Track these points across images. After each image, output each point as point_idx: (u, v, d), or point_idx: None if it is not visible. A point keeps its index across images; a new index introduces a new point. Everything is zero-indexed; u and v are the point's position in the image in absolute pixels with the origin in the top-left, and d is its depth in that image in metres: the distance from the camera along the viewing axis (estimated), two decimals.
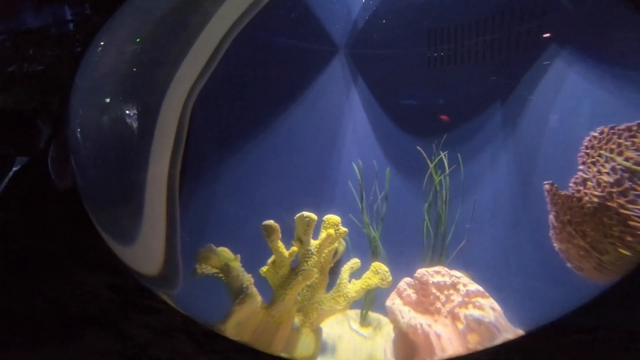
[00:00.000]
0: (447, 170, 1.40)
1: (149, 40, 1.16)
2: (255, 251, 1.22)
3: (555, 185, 0.98)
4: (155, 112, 1.11)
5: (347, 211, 1.47)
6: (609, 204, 0.82)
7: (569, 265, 0.99)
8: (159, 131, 1.12)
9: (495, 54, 1.35)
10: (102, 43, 1.11)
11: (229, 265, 1.19)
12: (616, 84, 1.02)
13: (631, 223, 0.75)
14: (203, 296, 1.23)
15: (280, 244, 1.17)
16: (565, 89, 1.20)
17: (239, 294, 1.16)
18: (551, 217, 1.02)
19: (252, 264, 1.21)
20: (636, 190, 0.83)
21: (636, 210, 0.78)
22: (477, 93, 1.50)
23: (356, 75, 1.71)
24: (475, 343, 0.95)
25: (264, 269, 1.21)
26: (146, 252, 1.12)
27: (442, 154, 1.41)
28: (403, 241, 1.47)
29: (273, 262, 1.20)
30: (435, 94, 1.56)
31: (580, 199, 0.89)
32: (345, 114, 1.71)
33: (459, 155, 1.43)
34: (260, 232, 1.17)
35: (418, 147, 1.47)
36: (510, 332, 0.96)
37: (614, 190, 0.87)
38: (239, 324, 1.18)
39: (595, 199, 0.90)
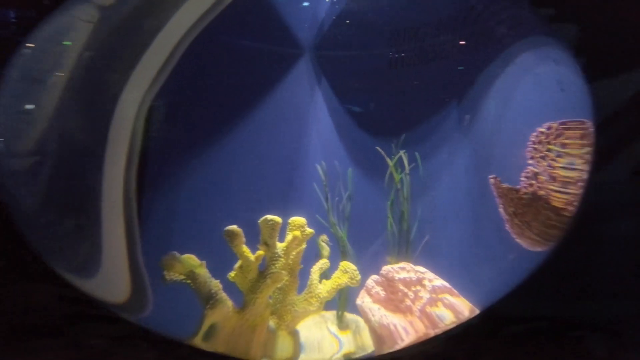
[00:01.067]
0: (407, 169, 1.44)
1: (101, 45, 1.13)
2: (224, 255, 1.19)
3: (499, 179, 1.05)
4: (108, 119, 1.09)
5: (314, 212, 1.47)
6: (542, 194, 0.90)
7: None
8: (112, 138, 1.09)
9: (454, 54, 1.42)
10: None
11: (194, 272, 1.18)
12: (565, 83, 1.08)
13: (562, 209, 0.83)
14: (174, 315, 1.19)
15: (245, 248, 1.16)
16: (517, 89, 1.27)
17: (208, 299, 1.14)
18: (501, 210, 1.09)
19: (221, 268, 1.19)
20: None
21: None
22: (435, 93, 1.55)
23: (320, 76, 1.71)
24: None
25: (232, 274, 1.18)
26: (109, 281, 1.09)
27: (401, 153, 1.45)
28: (369, 239, 1.49)
29: (240, 267, 1.18)
30: (395, 95, 1.60)
31: (518, 190, 0.96)
32: (309, 116, 1.71)
33: (416, 154, 1.47)
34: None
35: (377, 148, 1.50)
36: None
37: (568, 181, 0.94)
38: (213, 334, 1.18)
39: (549, 192, 0.98)
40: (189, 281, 1.16)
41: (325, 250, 1.43)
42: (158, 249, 1.19)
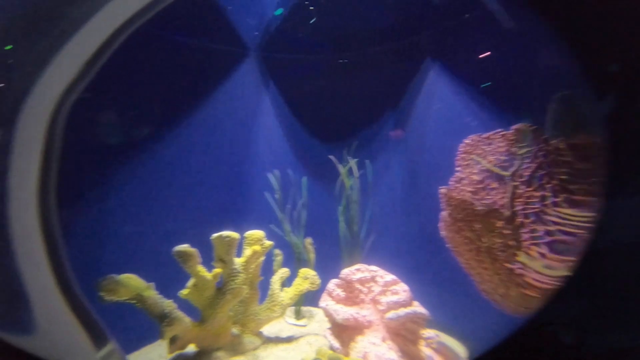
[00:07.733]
0: (356, 175, 1.46)
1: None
2: (171, 273, 1.08)
3: (451, 189, 1.22)
4: (10, 124, 0.88)
5: (265, 221, 1.42)
6: (494, 206, 1.11)
7: (449, 246, 1.21)
8: (19, 147, 0.90)
9: (389, 63, 1.50)
10: None
11: (142, 295, 1.07)
12: (478, 96, 1.22)
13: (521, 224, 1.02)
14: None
15: (201, 268, 1.05)
16: (438, 98, 1.39)
17: (162, 318, 1.00)
18: (444, 213, 1.18)
19: (167, 286, 1.08)
20: (490, 186, 1.12)
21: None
22: (374, 100, 1.62)
23: (267, 79, 1.62)
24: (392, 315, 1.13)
25: (185, 292, 1.07)
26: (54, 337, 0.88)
27: (351, 162, 1.46)
28: (324, 243, 1.50)
29: (194, 285, 1.06)
30: (340, 100, 1.63)
31: (472, 203, 1.16)
32: (257, 121, 1.61)
33: (367, 161, 1.51)
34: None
35: (331, 157, 1.49)
36: (413, 303, 1.17)
37: (479, 186, 1.09)
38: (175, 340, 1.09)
39: (469, 194, 1.18)
40: (134, 301, 1.05)
41: (279, 254, 1.39)
42: (90, 271, 1.04)
